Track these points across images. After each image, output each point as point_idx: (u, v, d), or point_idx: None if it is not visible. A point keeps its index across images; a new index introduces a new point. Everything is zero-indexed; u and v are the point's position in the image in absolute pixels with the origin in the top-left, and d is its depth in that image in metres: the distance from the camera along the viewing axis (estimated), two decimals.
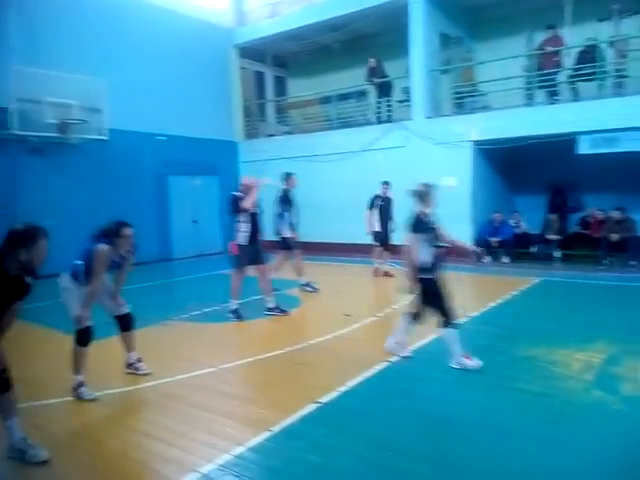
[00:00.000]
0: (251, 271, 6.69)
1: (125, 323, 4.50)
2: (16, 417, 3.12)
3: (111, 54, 11.36)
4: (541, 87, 10.69)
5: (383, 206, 9.37)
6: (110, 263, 4.14)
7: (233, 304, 6.50)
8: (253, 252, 6.48)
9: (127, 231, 4.15)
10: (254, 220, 6.44)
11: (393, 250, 9.30)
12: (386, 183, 9.49)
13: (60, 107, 9.77)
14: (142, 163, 12.39)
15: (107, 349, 5.42)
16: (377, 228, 9.31)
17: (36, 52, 10.11)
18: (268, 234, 7.63)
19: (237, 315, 6.44)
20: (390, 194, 9.40)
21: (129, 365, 4.62)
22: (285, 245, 8.07)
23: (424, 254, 4.46)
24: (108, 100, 10.40)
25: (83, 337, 4.11)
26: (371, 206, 9.37)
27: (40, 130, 9.62)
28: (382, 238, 9.35)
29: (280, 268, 8.12)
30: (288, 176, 8.15)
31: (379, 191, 9.46)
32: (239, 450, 3.14)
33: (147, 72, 12.20)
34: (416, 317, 4.73)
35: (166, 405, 3.90)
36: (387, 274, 9.39)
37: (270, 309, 6.69)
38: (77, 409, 3.90)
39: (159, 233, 12.81)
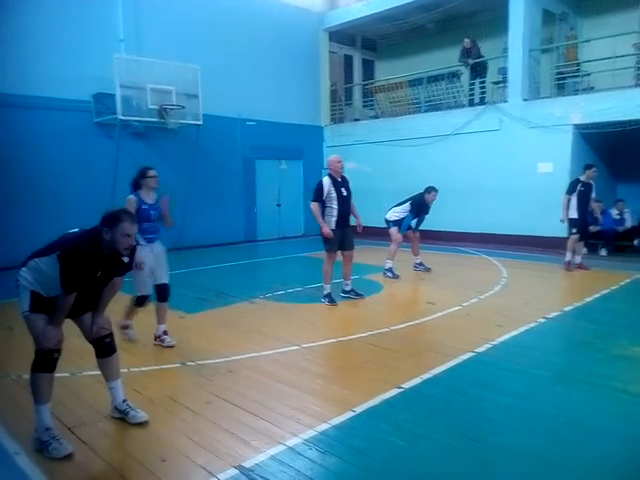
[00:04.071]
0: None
1: (161, 293, 4.85)
2: (119, 380, 3.38)
3: (204, 41, 11.81)
4: None
5: (582, 192, 8.49)
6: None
7: (326, 288, 6.53)
8: (341, 236, 6.48)
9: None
10: (343, 204, 6.40)
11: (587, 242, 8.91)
12: (591, 166, 8.54)
13: (160, 93, 10.32)
14: (232, 147, 12.84)
15: (197, 324, 5.75)
16: (574, 215, 8.50)
17: (140, 42, 10.75)
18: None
19: (330, 299, 6.48)
20: (593, 180, 8.55)
21: (156, 337, 4.90)
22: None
23: None
24: (202, 86, 10.84)
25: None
26: (571, 191, 8.53)
27: (142, 115, 10.23)
28: (579, 226, 8.55)
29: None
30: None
31: (582, 175, 8.56)
32: (324, 427, 3.22)
33: (238, 58, 12.58)
34: None
35: (254, 378, 4.06)
36: (581, 267, 8.69)
37: (346, 292, 6.79)
38: (172, 377, 4.17)
39: (245, 215, 13.28)
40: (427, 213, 8.49)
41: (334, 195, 6.32)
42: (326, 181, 6.36)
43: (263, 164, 13.59)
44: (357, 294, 6.79)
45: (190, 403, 3.61)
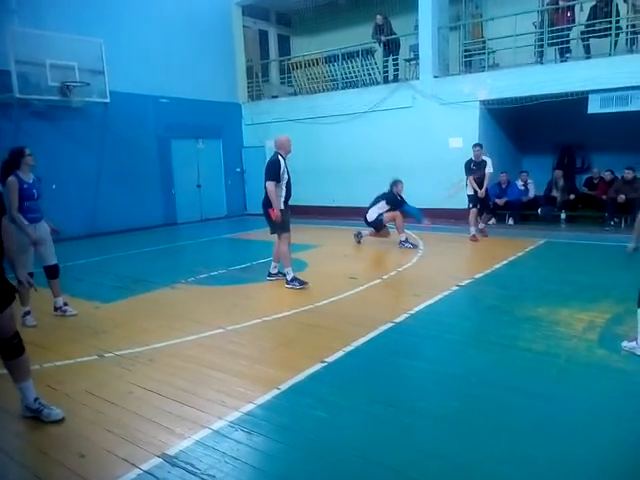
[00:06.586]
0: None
1: (52, 272, 5.20)
2: (30, 379, 3.20)
3: (108, 13, 11.09)
4: (552, 44, 10.41)
5: (474, 170, 9.16)
6: None
7: (289, 272, 6.28)
8: (287, 217, 6.33)
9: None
10: (289, 186, 6.28)
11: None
12: (474, 146, 9.22)
13: (61, 69, 9.63)
14: (145, 126, 12.28)
15: (115, 313, 5.54)
16: (470, 192, 9.24)
17: (36, 13, 9.90)
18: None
19: (300, 282, 6.21)
20: (484, 157, 9.16)
21: (57, 309, 5.28)
22: None
23: None
24: (108, 62, 10.23)
25: None
26: (467, 172, 9.19)
27: (42, 93, 9.52)
28: (475, 201, 9.23)
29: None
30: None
31: (472, 155, 9.19)
32: (249, 407, 3.24)
33: (147, 32, 11.94)
34: None
35: (177, 365, 3.99)
36: (482, 232, 9.47)
37: (271, 274, 6.71)
38: (89, 370, 3.99)
39: (163, 198, 12.83)
40: (405, 202, 8.93)
41: (286, 177, 6.18)
42: (281, 161, 6.18)
43: (179, 143, 13.13)
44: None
45: (109, 395, 3.49)
